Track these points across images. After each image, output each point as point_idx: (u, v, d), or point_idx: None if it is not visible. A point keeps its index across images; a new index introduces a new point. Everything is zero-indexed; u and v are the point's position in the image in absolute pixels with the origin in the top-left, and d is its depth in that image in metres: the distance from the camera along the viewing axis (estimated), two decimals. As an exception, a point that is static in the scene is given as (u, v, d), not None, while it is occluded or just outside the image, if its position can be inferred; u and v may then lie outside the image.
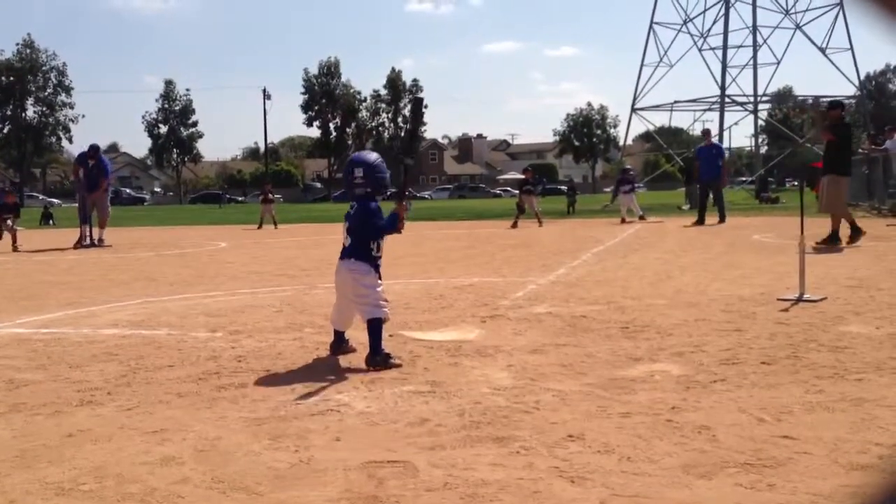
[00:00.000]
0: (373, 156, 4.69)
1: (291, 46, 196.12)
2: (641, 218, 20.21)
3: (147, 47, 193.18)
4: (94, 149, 15.82)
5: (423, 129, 79.60)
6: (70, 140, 74.97)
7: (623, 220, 19.95)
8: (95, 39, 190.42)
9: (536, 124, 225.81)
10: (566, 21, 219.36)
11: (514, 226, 19.36)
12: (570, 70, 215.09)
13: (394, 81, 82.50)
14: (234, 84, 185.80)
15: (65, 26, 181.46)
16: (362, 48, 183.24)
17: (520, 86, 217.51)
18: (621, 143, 63.92)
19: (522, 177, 22.70)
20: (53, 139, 73.31)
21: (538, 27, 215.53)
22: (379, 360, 4.33)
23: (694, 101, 47.14)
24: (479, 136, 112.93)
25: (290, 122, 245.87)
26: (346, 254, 4.56)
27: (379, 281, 4.56)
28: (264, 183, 27.66)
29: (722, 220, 18.20)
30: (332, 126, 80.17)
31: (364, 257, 4.52)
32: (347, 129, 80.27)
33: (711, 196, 18.47)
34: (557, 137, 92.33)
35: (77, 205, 16.03)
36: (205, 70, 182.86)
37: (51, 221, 30.61)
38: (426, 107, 78.27)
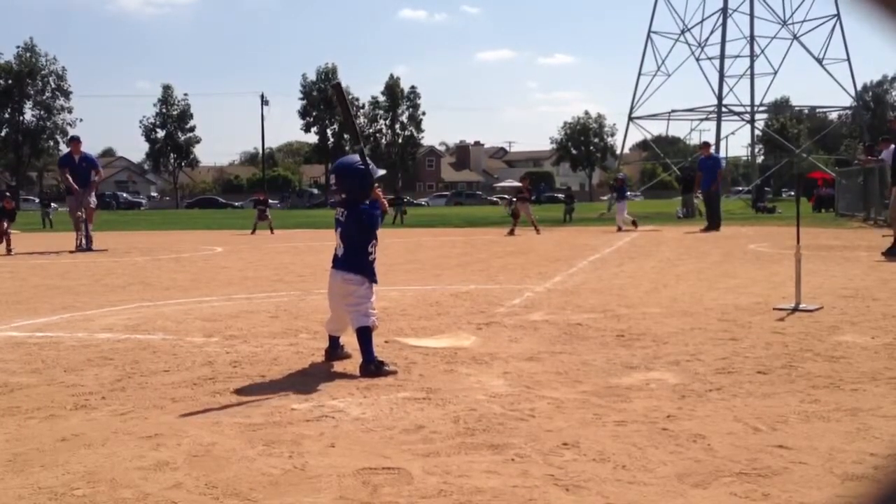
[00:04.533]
0: (351, 159, 4.61)
1: (290, 52, 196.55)
2: (619, 229, 20.01)
3: (145, 53, 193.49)
4: (75, 138, 15.82)
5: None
6: (67, 144, 74.84)
7: (619, 229, 19.97)
8: (94, 44, 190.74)
9: (532, 132, 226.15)
10: (560, 30, 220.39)
11: (511, 233, 19.37)
12: (564, 79, 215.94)
13: (392, 88, 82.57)
14: (232, 90, 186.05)
15: (63, 31, 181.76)
16: (358, 55, 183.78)
17: (515, 94, 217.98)
18: (618, 151, 64.01)
19: (518, 184, 22.73)
20: (51, 143, 73.13)
21: (532, 35, 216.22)
22: (372, 368, 4.33)
23: (691, 110, 47.23)
24: (477, 143, 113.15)
25: (288, 128, 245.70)
26: (340, 264, 4.55)
27: (373, 290, 4.56)
28: (258, 190, 27.62)
29: (717, 227, 18.44)
30: (329, 132, 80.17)
31: (358, 267, 4.51)
32: (345, 136, 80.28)
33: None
34: (555, 145, 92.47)
35: (69, 207, 15.95)
36: (203, 75, 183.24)
37: (49, 219, 30.66)
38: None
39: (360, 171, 4.50)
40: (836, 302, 6.70)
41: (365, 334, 4.41)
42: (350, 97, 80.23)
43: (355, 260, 4.52)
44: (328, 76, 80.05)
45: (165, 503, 2.56)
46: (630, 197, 21.12)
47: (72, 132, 72.29)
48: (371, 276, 4.56)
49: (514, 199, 21.69)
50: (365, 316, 4.46)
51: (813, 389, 3.87)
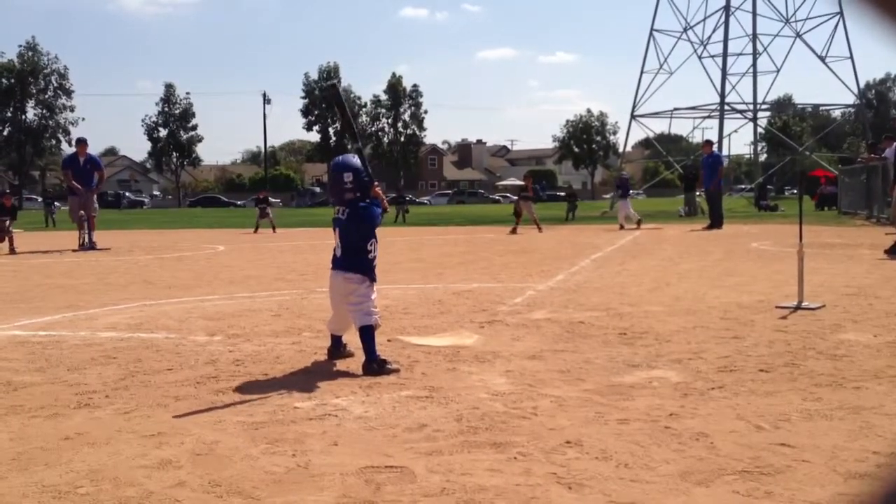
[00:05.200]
0: (357, 160, 4.59)
1: (291, 51, 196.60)
2: (639, 223, 20.22)
3: (147, 52, 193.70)
4: (81, 141, 15.73)
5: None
6: (70, 143, 74.74)
7: (621, 227, 19.97)
8: (95, 43, 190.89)
9: (534, 131, 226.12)
10: (561, 28, 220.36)
11: (514, 231, 19.36)
12: (566, 77, 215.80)
13: (394, 87, 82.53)
14: (235, 88, 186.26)
15: (64, 30, 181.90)
16: (359, 54, 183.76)
17: (516, 92, 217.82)
18: (621, 149, 63.99)
19: (521, 183, 22.74)
20: (53, 142, 73.14)
21: (533, 34, 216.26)
22: (375, 366, 4.33)
23: (693, 108, 47.07)
24: (479, 141, 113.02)
25: (289, 127, 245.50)
26: (340, 264, 4.55)
27: (373, 289, 4.56)
28: (260, 190, 27.63)
29: (719, 225, 18.48)
30: (331, 131, 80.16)
31: (358, 266, 4.51)
32: (347, 135, 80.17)
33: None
34: (557, 144, 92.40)
35: (69, 208, 15.92)
36: (205, 74, 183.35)
37: (53, 217, 30.67)
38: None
39: (363, 169, 4.52)
40: (839, 300, 6.69)
41: (367, 333, 4.42)
42: (352, 95, 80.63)
43: (355, 259, 4.52)
44: (330, 75, 79.97)
45: (169, 501, 2.56)
46: (632, 195, 21.11)
47: (74, 131, 72.35)
48: (371, 275, 4.56)
49: (517, 198, 21.70)
50: (367, 314, 4.47)
51: (815, 388, 3.87)
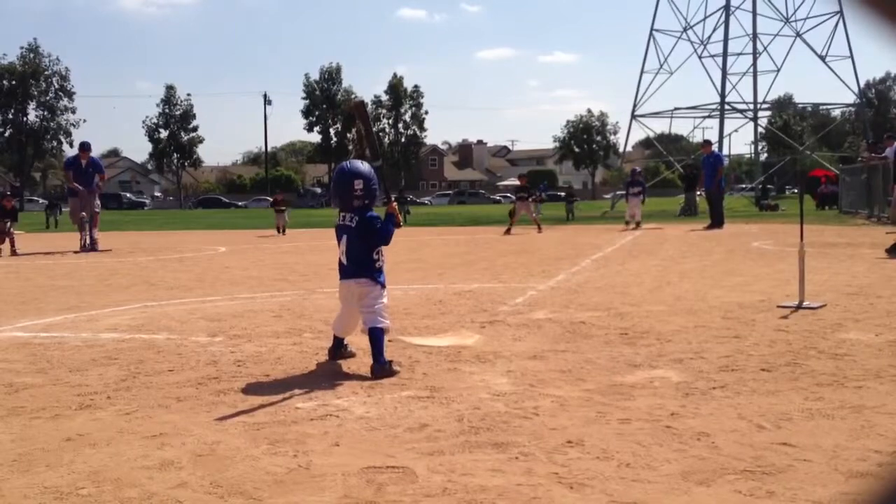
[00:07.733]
0: (366, 167, 4.56)
1: (291, 52, 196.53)
2: (638, 224, 20.20)
3: (147, 53, 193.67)
4: (84, 146, 15.63)
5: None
6: (71, 144, 74.69)
7: (627, 225, 19.95)
8: (95, 45, 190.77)
9: (534, 131, 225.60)
10: (560, 28, 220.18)
11: (508, 232, 19.24)
12: (566, 77, 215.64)
13: (395, 87, 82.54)
14: (235, 89, 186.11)
15: (64, 31, 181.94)
16: (357, 55, 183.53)
17: (516, 92, 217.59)
18: (621, 149, 63.99)
19: (518, 183, 22.75)
20: (54, 143, 73.23)
21: (532, 34, 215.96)
22: (387, 368, 4.32)
23: (694, 108, 47.02)
24: (480, 142, 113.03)
25: (290, 128, 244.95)
26: (349, 273, 4.52)
27: (384, 293, 4.55)
28: (276, 193, 27.66)
29: (717, 225, 18.49)
30: (332, 131, 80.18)
31: (367, 272, 4.49)
32: (348, 135, 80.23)
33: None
34: (557, 144, 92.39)
35: (70, 209, 15.89)
36: (205, 75, 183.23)
37: (56, 219, 30.57)
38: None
39: (374, 178, 4.50)
40: (840, 299, 6.69)
41: (378, 335, 4.40)
42: (352, 97, 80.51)
43: (363, 267, 4.49)
44: (331, 76, 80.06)
45: (170, 502, 2.56)
46: (630, 193, 21.00)
47: (76, 133, 72.44)
48: (381, 280, 4.55)
49: (516, 198, 21.68)
50: (381, 316, 4.46)
51: (817, 387, 3.87)
